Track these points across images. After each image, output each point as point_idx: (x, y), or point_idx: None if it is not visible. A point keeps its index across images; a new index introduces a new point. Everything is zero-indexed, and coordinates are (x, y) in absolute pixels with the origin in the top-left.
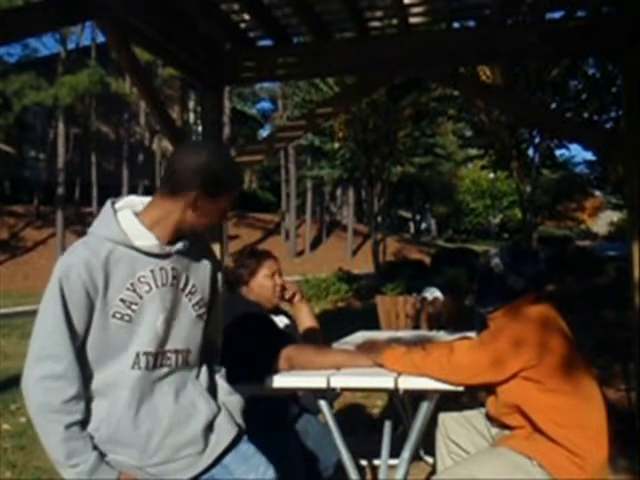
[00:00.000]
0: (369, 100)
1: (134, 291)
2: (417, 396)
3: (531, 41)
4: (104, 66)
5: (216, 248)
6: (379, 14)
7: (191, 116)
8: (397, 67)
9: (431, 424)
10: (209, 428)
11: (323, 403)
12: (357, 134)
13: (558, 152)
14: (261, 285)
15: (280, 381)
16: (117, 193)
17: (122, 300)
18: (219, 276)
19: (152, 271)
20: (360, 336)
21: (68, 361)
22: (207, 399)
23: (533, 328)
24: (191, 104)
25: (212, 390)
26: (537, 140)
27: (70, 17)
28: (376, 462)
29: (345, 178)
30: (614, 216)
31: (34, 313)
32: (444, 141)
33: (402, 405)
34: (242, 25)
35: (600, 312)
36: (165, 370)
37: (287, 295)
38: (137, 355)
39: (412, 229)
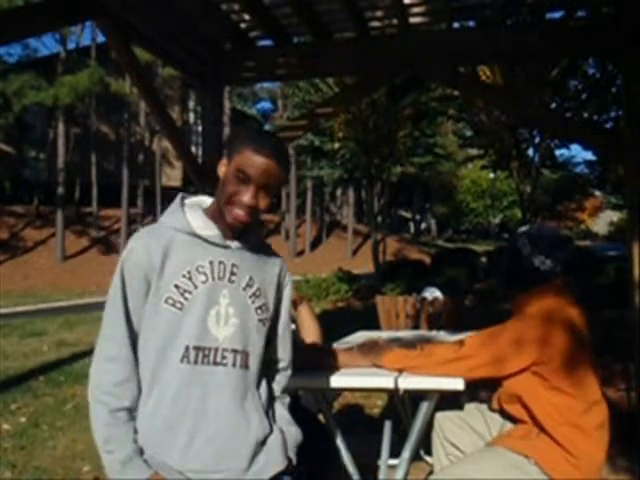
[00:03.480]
0: (369, 100)
1: (190, 279)
2: (417, 396)
3: (531, 41)
4: (104, 66)
5: None
6: (379, 14)
7: (191, 116)
8: (397, 67)
9: (431, 424)
10: (258, 447)
11: (323, 403)
12: (357, 134)
13: (558, 152)
14: None
15: None
16: (117, 193)
17: (176, 286)
18: (286, 294)
19: (211, 263)
20: (360, 336)
21: (121, 344)
22: (261, 416)
23: (542, 325)
24: (191, 104)
25: (268, 412)
26: (537, 140)
27: (70, 17)
28: (376, 462)
29: (345, 178)
30: (614, 216)
31: (34, 313)
32: (444, 141)
33: (402, 405)
34: (242, 25)
35: (600, 312)
36: (221, 369)
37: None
38: (187, 348)
39: (412, 229)
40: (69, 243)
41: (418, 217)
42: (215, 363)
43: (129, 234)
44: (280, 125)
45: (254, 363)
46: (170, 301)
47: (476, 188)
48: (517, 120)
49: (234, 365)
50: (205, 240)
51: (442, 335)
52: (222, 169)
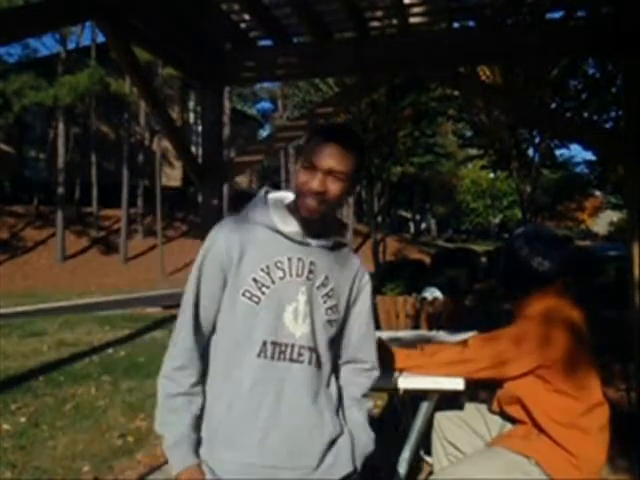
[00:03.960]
0: (369, 100)
1: (268, 274)
2: (417, 396)
3: (531, 41)
4: (104, 66)
5: None
6: (379, 14)
7: (191, 116)
8: (397, 67)
9: (431, 424)
10: (328, 446)
11: None
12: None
13: (558, 152)
14: None
15: None
16: (117, 193)
17: (254, 280)
18: (365, 295)
19: (290, 259)
20: None
21: (185, 331)
22: (333, 415)
23: (544, 328)
24: (191, 104)
25: (338, 411)
26: (537, 140)
27: (70, 17)
28: (376, 462)
29: None
30: (614, 216)
31: (34, 313)
32: (444, 141)
33: (402, 405)
34: (242, 25)
35: (600, 312)
36: (297, 366)
37: None
38: (264, 343)
39: (412, 229)
40: (69, 243)
41: (418, 217)
42: (292, 360)
43: (129, 234)
44: (280, 125)
45: (325, 362)
46: (247, 294)
47: (476, 188)
48: (517, 120)
49: (310, 363)
50: (285, 236)
51: (442, 335)
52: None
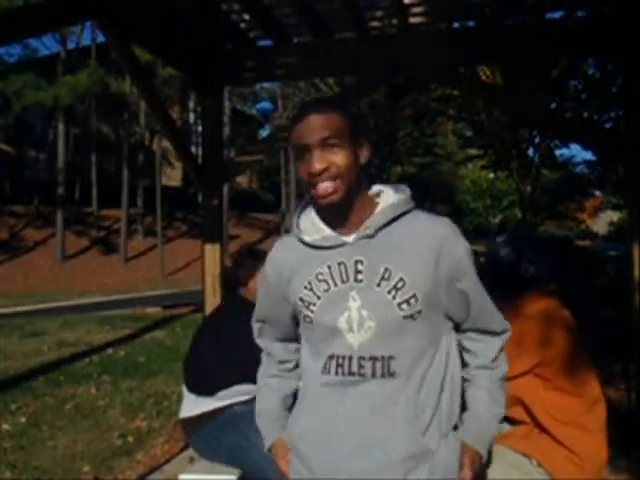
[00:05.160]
0: (369, 100)
1: (311, 290)
2: None
3: (531, 41)
4: (104, 66)
5: (216, 248)
6: (379, 14)
7: (191, 116)
8: (397, 67)
9: None
10: (414, 460)
11: None
12: None
13: (558, 152)
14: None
15: None
16: (117, 193)
17: (301, 299)
18: (459, 259)
19: (329, 267)
20: None
21: (271, 339)
22: (417, 427)
23: (542, 326)
24: (191, 104)
25: (434, 417)
26: (537, 140)
27: (70, 17)
28: None
29: None
30: (614, 216)
31: (34, 313)
32: (444, 141)
33: None
34: (242, 25)
35: (600, 312)
36: (357, 379)
37: None
38: (327, 358)
39: None
40: (69, 243)
41: None
42: (350, 373)
43: (129, 234)
44: (280, 125)
45: (404, 367)
46: (301, 315)
47: (476, 188)
48: (517, 120)
49: (373, 375)
50: (317, 246)
51: None
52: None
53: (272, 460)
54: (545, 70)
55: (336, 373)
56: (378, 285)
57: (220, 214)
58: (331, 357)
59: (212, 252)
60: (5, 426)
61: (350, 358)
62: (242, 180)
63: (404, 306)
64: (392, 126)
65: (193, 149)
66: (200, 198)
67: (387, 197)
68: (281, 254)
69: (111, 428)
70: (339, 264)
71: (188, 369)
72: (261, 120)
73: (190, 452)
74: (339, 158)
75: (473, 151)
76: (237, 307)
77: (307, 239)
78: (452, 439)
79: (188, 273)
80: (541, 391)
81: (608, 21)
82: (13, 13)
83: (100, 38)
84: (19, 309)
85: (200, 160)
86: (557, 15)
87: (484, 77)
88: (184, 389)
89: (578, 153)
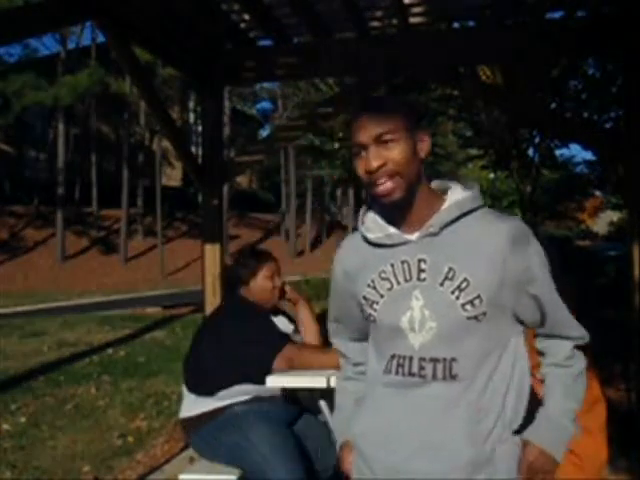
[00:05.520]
0: None
1: (374, 288)
2: None
3: (531, 41)
4: (104, 66)
5: (216, 248)
6: (379, 14)
7: (191, 116)
8: (397, 67)
9: None
10: (474, 467)
11: (323, 403)
12: None
13: (558, 152)
14: (260, 286)
15: (280, 381)
16: (117, 193)
17: (365, 298)
18: (532, 265)
19: (392, 265)
20: None
21: (345, 339)
22: (473, 430)
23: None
24: (191, 104)
25: (497, 422)
26: (537, 140)
27: (70, 17)
28: None
29: (345, 178)
30: (614, 216)
31: (34, 313)
32: (444, 141)
33: None
34: (242, 25)
35: (600, 312)
36: (418, 380)
37: (287, 297)
38: (391, 358)
39: None
40: (69, 243)
41: None
42: (411, 374)
43: (129, 234)
44: (280, 125)
45: (467, 370)
46: (366, 314)
47: None
48: (517, 120)
49: (434, 377)
50: (381, 244)
51: None
52: None
53: (272, 461)
54: (545, 70)
55: (396, 373)
56: (441, 285)
57: (220, 214)
58: (393, 357)
59: (212, 252)
60: (5, 426)
61: (411, 359)
62: (242, 180)
63: (468, 307)
64: None
65: (193, 149)
66: (200, 198)
67: (454, 194)
68: (347, 252)
69: (111, 428)
70: (402, 262)
71: (188, 369)
72: (261, 120)
73: (190, 452)
74: (395, 153)
75: (473, 151)
76: (237, 307)
77: (371, 237)
78: (511, 443)
79: (188, 273)
80: (540, 392)
81: (608, 21)
82: (13, 13)
83: (100, 38)
84: (19, 309)
85: (200, 160)
86: (557, 15)
87: (484, 77)
88: (184, 389)
89: (578, 153)
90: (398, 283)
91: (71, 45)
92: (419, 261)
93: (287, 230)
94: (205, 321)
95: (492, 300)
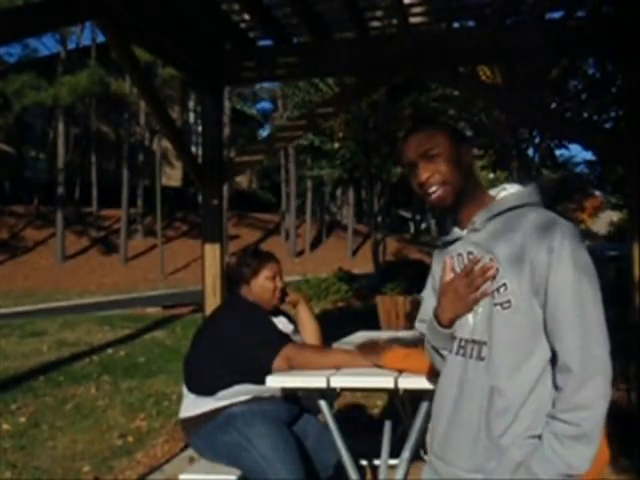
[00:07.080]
0: (369, 100)
1: (441, 278)
2: (417, 396)
3: (531, 41)
4: (104, 66)
5: (216, 248)
6: (379, 14)
7: (191, 116)
8: (397, 67)
9: None
10: (488, 452)
11: (323, 403)
12: (357, 134)
13: (558, 152)
14: (261, 286)
15: (280, 381)
16: (117, 193)
17: (434, 289)
18: (557, 273)
19: (452, 258)
20: (360, 336)
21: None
22: (492, 417)
23: None
24: (191, 104)
25: (518, 414)
26: (537, 140)
27: (70, 17)
28: (376, 462)
29: (345, 178)
30: (614, 216)
31: (34, 313)
32: None
33: (402, 405)
34: (242, 25)
35: None
36: (460, 360)
37: (287, 299)
38: (457, 340)
39: (412, 229)
40: (69, 243)
41: (418, 217)
42: (464, 355)
43: (129, 234)
44: (280, 125)
45: (492, 354)
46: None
47: None
48: (517, 120)
49: (470, 356)
50: (447, 242)
51: None
52: None
53: (272, 460)
54: (545, 70)
55: (457, 353)
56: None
57: (220, 214)
58: (456, 338)
59: (212, 252)
60: (5, 426)
61: (466, 340)
62: (242, 180)
63: (496, 294)
64: (392, 126)
65: (193, 149)
66: (200, 198)
67: (501, 192)
68: (435, 258)
69: (111, 428)
70: (458, 255)
71: (188, 369)
72: (261, 120)
73: (190, 452)
74: (441, 165)
75: (473, 151)
76: (238, 307)
77: (445, 238)
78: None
79: (188, 273)
80: None
81: (608, 21)
82: (13, 13)
83: (100, 38)
84: (19, 309)
85: (200, 160)
86: (557, 15)
87: (484, 77)
88: (184, 389)
89: (578, 153)
90: (453, 272)
91: (71, 45)
92: (468, 253)
93: (287, 230)
94: (205, 321)
95: (517, 290)
